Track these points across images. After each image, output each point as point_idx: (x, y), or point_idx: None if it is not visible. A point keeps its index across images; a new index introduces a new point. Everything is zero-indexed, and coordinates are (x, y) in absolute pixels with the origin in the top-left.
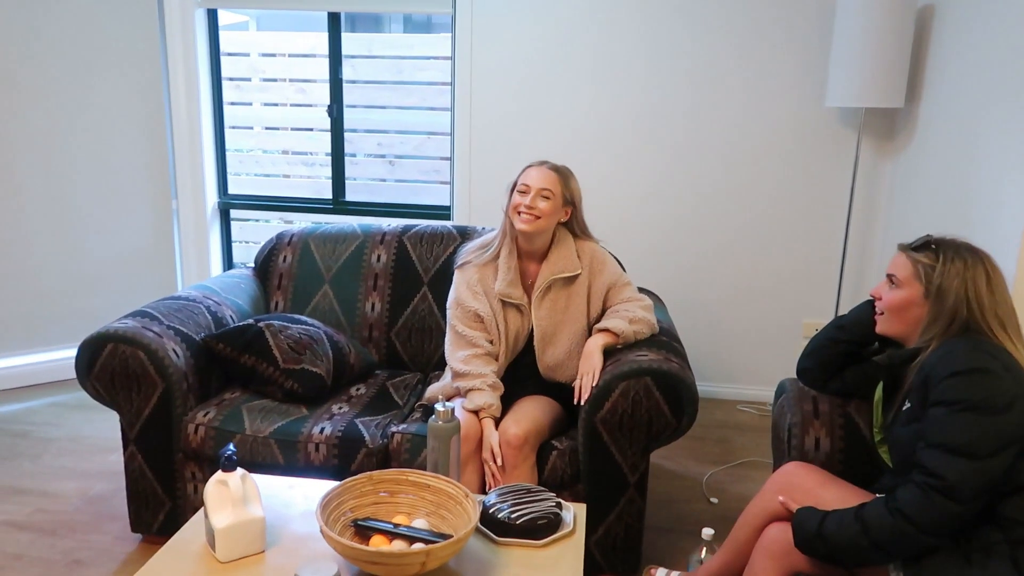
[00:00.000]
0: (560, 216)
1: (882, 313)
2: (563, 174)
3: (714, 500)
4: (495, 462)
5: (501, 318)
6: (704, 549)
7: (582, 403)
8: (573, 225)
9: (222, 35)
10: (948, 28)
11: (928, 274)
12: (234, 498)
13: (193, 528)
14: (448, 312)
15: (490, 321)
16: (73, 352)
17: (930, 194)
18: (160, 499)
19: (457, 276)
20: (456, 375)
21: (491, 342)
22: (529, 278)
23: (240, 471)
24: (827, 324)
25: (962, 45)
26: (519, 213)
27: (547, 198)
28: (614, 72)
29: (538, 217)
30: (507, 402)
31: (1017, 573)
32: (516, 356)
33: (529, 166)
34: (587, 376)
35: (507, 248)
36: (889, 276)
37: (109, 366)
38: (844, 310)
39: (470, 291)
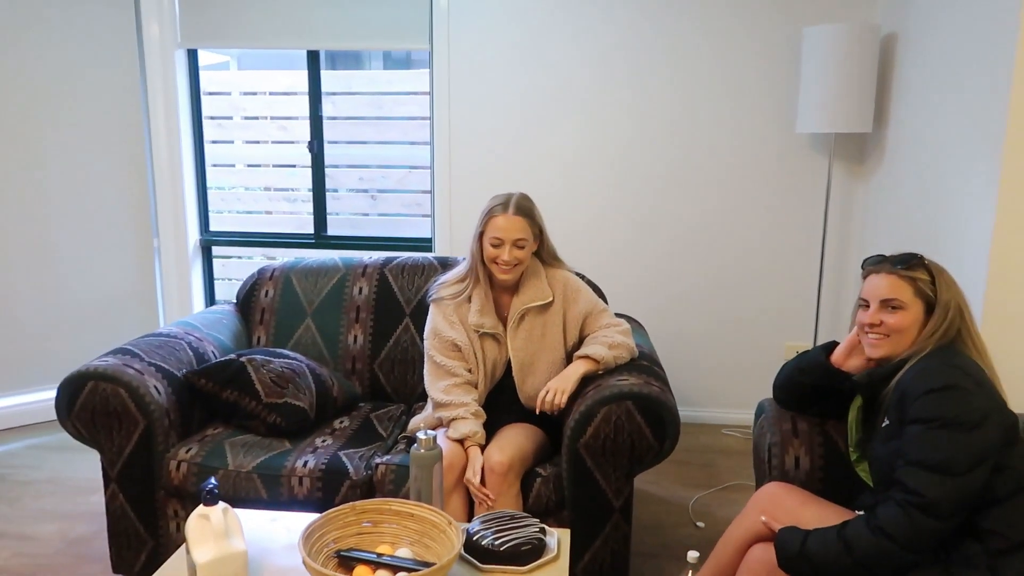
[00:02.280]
0: (534, 248)
1: (885, 337)
2: (528, 212)
3: (700, 524)
4: (477, 483)
5: (478, 347)
6: (690, 572)
7: (536, 413)
8: (542, 252)
9: (204, 75)
10: (911, 55)
11: (931, 290)
12: (216, 532)
13: (175, 563)
14: (425, 343)
15: (467, 350)
16: (54, 393)
17: (900, 214)
18: (142, 538)
19: (433, 308)
20: (437, 405)
21: (470, 371)
22: (504, 309)
23: (222, 504)
24: (790, 361)
25: (925, 70)
26: (497, 265)
27: (522, 246)
28: (592, 105)
29: (517, 264)
30: (490, 430)
31: None
32: (498, 383)
33: (492, 214)
34: (552, 393)
35: (480, 287)
36: (886, 301)
37: (90, 404)
38: (823, 330)
39: (446, 321)
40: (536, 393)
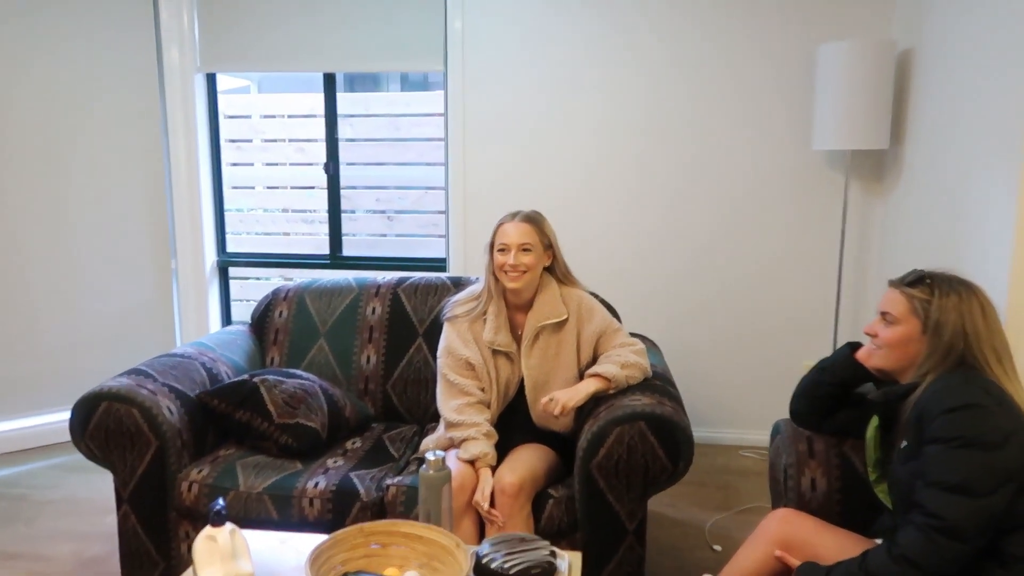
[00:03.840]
0: (544, 261)
1: (879, 349)
2: (536, 221)
3: (717, 548)
4: (486, 506)
5: (492, 366)
6: None
7: (546, 430)
8: (555, 269)
9: (225, 98)
10: (928, 70)
11: (925, 309)
12: (223, 553)
13: None
14: (439, 361)
15: (481, 369)
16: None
17: (920, 231)
18: (153, 559)
19: (447, 327)
20: (449, 425)
21: (483, 390)
22: (518, 328)
23: (229, 526)
24: (812, 367)
25: (942, 86)
26: (505, 272)
27: (528, 250)
28: (606, 124)
29: (524, 272)
30: (502, 450)
31: None
32: (510, 403)
33: (501, 223)
34: (553, 401)
35: (495, 303)
36: (883, 313)
37: (103, 425)
38: (841, 344)
39: (460, 339)
40: (549, 413)
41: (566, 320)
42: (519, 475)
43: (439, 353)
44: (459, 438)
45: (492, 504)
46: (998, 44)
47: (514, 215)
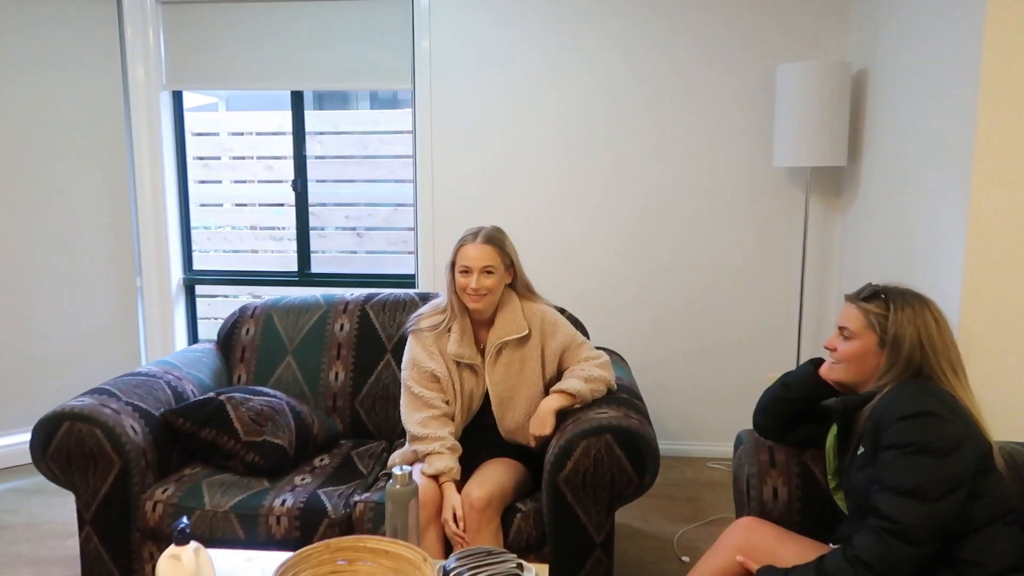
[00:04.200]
0: (506, 280)
1: (838, 363)
2: (497, 242)
3: (686, 559)
4: (456, 525)
5: (457, 378)
6: None
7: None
8: (516, 285)
9: (193, 115)
10: (881, 90)
11: (882, 324)
12: (187, 572)
13: None
14: (403, 373)
15: (446, 381)
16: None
17: (876, 246)
18: None
19: (412, 340)
20: (413, 438)
21: (447, 403)
22: (481, 343)
23: (194, 544)
24: (775, 381)
25: (894, 105)
26: (468, 294)
27: (490, 273)
28: (572, 141)
29: (487, 294)
30: (470, 464)
31: None
32: (477, 419)
33: (463, 244)
34: (533, 439)
35: (459, 320)
36: (841, 328)
37: (65, 445)
38: (804, 357)
39: (426, 352)
40: (516, 427)
41: (528, 336)
42: (488, 490)
43: (404, 365)
44: (423, 452)
45: (458, 521)
46: (945, 63)
47: (475, 235)
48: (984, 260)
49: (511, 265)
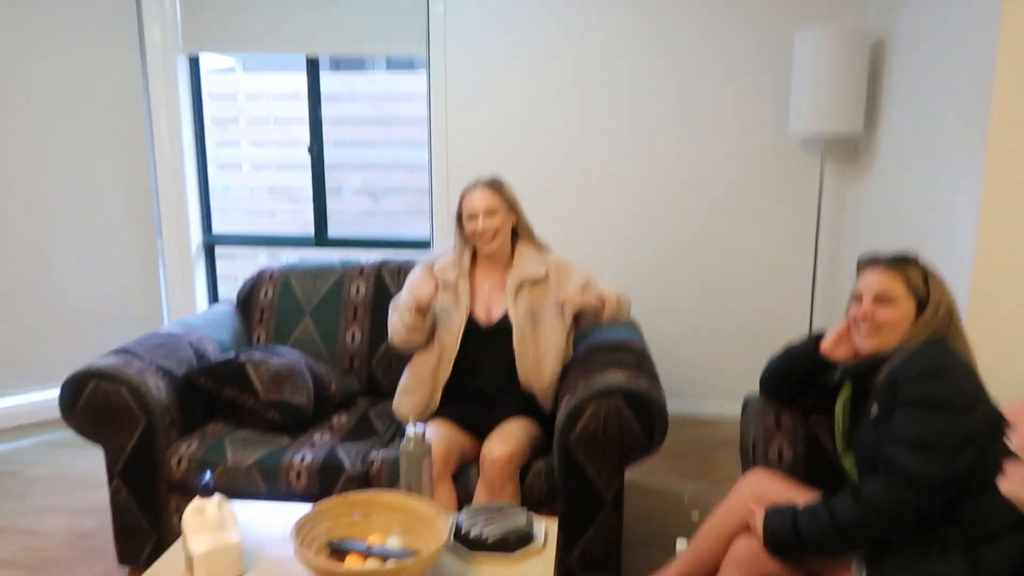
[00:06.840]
0: (509, 220)
1: (875, 331)
2: (496, 185)
3: (695, 517)
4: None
5: (441, 300)
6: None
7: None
8: (521, 227)
9: (211, 78)
10: (900, 58)
11: (922, 288)
12: (211, 524)
13: (173, 555)
14: (399, 296)
15: (436, 303)
16: (59, 391)
17: (891, 215)
18: (146, 531)
19: (416, 268)
20: (395, 309)
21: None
22: (491, 287)
23: (217, 497)
24: (780, 350)
25: (913, 74)
26: (479, 237)
27: (493, 213)
28: (588, 104)
29: (495, 234)
30: (491, 424)
31: (972, 568)
32: (494, 378)
33: (465, 194)
34: (560, 297)
35: (464, 280)
36: (878, 295)
37: (92, 402)
38: (817, 324)
39: (425, 277)
40: (535, 371)
41: (545, 279)
42: (510, 446)
43: (401, 294)
44: (403, 306)
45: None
46: (964, 34)
47: (475, 184)
48: (997, 230)
49: (512, 208)
